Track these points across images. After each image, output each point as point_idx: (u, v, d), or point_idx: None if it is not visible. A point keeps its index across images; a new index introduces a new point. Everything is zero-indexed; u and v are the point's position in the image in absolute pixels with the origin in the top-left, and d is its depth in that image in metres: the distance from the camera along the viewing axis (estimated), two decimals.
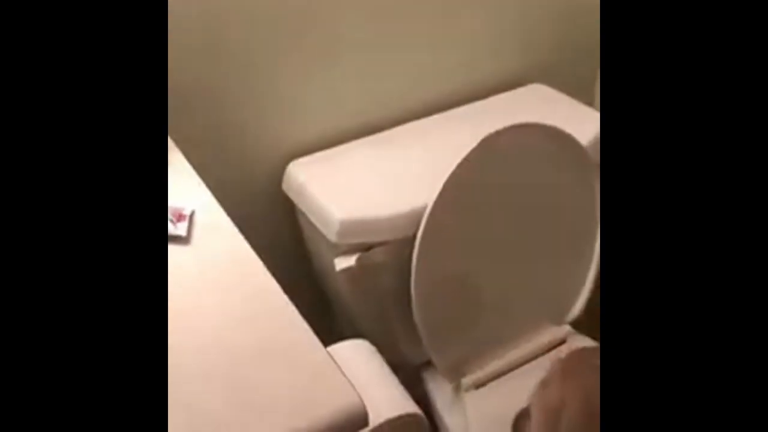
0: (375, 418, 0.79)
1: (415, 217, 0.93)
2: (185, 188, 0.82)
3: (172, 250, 0.73)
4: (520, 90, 1.18)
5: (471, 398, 1.05)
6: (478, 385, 1.06)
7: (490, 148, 0.93)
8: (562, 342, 1.14)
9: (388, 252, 0.95)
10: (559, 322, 1.15)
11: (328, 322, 1.12)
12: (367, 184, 0.99)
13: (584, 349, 0.70)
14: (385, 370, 0.89)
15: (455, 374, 1.06)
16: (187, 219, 0.77)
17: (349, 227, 0.94)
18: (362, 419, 0.59)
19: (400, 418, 0.82)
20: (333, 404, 0.58)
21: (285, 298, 0.69)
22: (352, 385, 0.60)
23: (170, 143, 0.89)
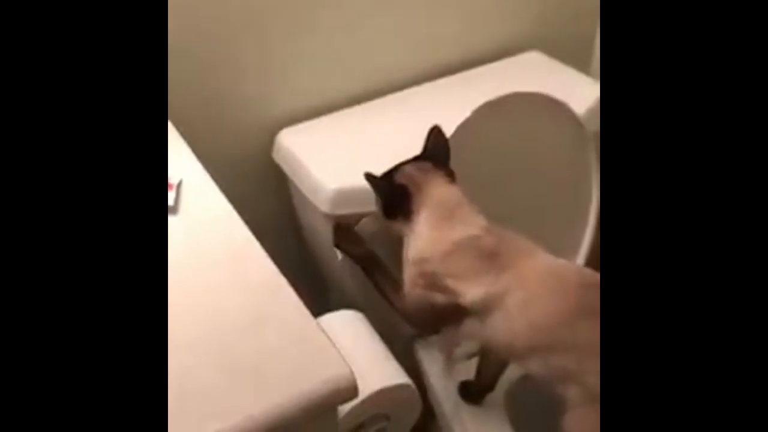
0: (365, 389, 0.79)
1: None
2: (173, 157, 0.80)
3: None
4: (517, 58, 1.16)
5: (463, 369, 1.05)
6: (471, 355, 1.06)
7: (485, 117, 0.92)
8: None
9: (381, 222, 0.94)
10: None
11: (321, 293, 1.12)
12: (360, 153, 0.97)
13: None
14: (376, 341, 0.89)
15: (448, 345, 1.06)
16: (175, 188, 0.76)
17: (342, 197, 0.93)
18: (352, 390, 0.58)
19: (391, 389, 0.82)
20: (322, 375, 0.58)
21: (274, 268, 0.68)
22: (342, 356, 0.59)
23: None
